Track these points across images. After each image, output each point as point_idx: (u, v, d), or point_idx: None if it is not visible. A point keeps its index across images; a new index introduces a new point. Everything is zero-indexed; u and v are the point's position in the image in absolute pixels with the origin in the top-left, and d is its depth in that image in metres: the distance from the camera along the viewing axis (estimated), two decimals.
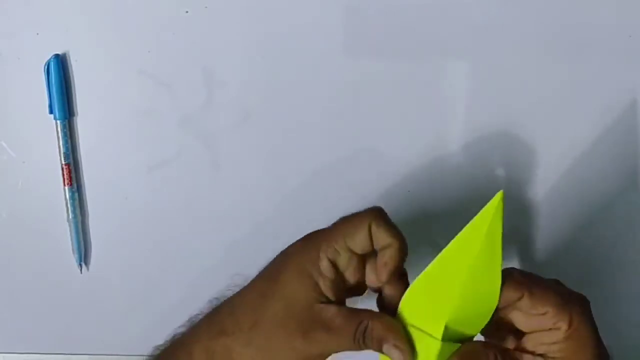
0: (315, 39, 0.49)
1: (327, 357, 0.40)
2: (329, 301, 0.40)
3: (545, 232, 0.51)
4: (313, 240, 0.41)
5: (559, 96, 0.49)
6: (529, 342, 0.39)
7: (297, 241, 0.42)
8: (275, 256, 0.42)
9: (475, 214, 0.38)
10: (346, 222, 0.41)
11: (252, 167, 0.51)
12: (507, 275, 0.38)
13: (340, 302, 0.41)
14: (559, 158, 0.50)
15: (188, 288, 0.53)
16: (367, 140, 0.50)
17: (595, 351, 0.38)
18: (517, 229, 0.51)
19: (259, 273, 0.43)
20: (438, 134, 0.50)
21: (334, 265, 0.40)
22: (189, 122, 0.51)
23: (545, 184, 0.50)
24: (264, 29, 0.50)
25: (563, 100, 0.49)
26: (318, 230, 0.42)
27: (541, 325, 0.39)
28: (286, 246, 0.42)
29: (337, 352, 0.39)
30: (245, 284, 0.43)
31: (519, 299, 0.38)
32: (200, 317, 0.44)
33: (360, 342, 0.39)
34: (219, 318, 0.42)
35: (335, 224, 0.41)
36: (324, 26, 0.49)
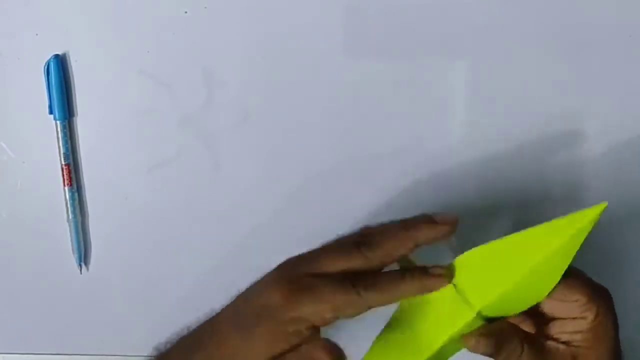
0: (315, 39, 0.49)
1: None
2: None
3: None
4: (299, 303, 0.37)
5: (558, 96, 0.49)
6: (553, 329, 0.39)
7: (276, 296, 0.38)
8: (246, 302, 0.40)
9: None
10: (339, 297, 0.37)
11: (252, 167, 0.51)
12: None
13: None
14: (558, 158, 0.50)
15: (188, 288, 0.53)
16: (367, 140, 0.50)
17: (614, 344, 0.39)
18: (516, 229, 0.51)
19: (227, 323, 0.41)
20: (438, 134, 0.50)
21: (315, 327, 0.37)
22: (189, 122, 0.51)
23: (545, 184, 0.50)
24: (264, 29, 0.50)
25: (563, 100, 0.49)
26: (296, 288, 0.38)
27: (569, 313, 0.39)
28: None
29: None
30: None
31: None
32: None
33: None
34: None
35: (328, 294, 0.37)
36: (324, 26, 0.49)
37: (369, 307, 0.37)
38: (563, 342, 0.39)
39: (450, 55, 0.49)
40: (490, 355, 0.38)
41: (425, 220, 0.39)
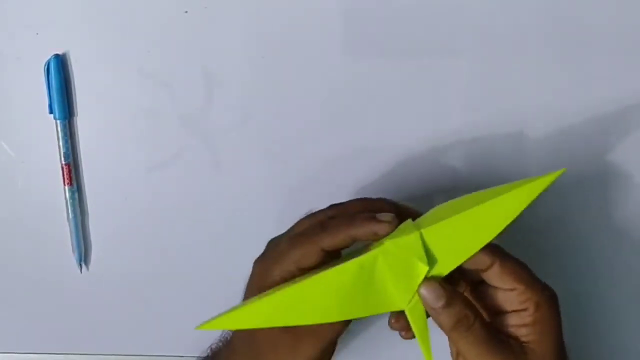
0: (315, 39, 0.49)
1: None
2: None
3: (545, 231, 0.51)
4: (266, 273, 0.41)
5: (558, 96, 0.49)
6: (501, 322, 0.40)
7: (250, 276, 0.44)
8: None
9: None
10: (296, 245, 0.41)
11: (252, 167, 0.51)
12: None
13: None
14: (558, 158, 0.50)
15: (188, 288, 0.53)
16: (367, 140, 0.50)
17: (560, 341, 0.39)
18: (516, 228, 0.51)
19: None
20: (438, 134, 0.50)
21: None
22: (189, 122, 0.51)
23: None
24: (264, 29, 0.50)
25: (563, 100, 0.49)
26: (267, 255, 0.43)
27: (511, 304, 0.39)
28: None
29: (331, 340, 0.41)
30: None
31: (490, 265, 0.39)
32: None
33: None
34: None
35: (285, 246, 0.41)
36: (324, 26, 0.49)
37: (323, 250, 0.40)
38: (512, 337, 0.40)
39: (450, 55, 0.49)
40: (435, 310, 0.38)
41: (384, 200, 0.43)
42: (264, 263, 0.43)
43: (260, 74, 0.50)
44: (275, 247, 0.43)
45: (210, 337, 0.54)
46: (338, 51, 0.49)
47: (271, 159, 0.51)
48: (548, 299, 0.39)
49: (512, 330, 0.39)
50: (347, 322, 0.41)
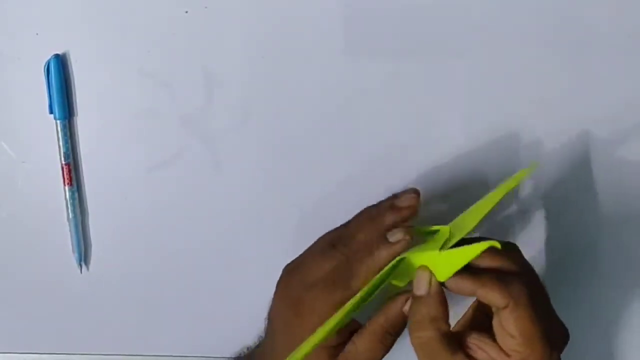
0: (315, 39, 0.49)
1: None
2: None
3: (545, 231, 0.51)
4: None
5: (558, 96, 0.49)
6: (475, 341, 0.40)
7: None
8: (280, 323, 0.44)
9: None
10: (329, 292, 0.41)
11: (252, 167, 0.51)
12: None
13: None
14: (559, 158, 0.50)
15: (188, 288, 0.53)
16: (366, 140, 0.50)
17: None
18: (516, 228, 0.51)
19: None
20: (438, 134, 0.50)
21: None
22: (189, 122, 0.51)
23: (544, 183, 0.50)
24: (264, 29, 0.50)
25: (563, 100, 0.49)
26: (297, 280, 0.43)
27: (503, 343, 0.38)
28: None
29: None
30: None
31: (504, 306, 0.37)
32: None
33: (390, 339, 0.41)
34: None
35: (317, 293, 0.42)
36: (324, 26, 0.49)
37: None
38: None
39: (450, 55, 0.49)
40: (469, 293, 0.38)
41: (388, 206, 0.43)
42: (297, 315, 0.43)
43: (260, 74, 0.50)
44: (308, 285, 0.42)
45: (210, 336, 0.54)
46: (338, 51, 0.49)
47: (271, 159, 0.51)
48: (518, 296, 0.37)
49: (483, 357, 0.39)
50: None
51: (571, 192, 0.50)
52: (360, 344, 0.41)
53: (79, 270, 0.53)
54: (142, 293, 0.54)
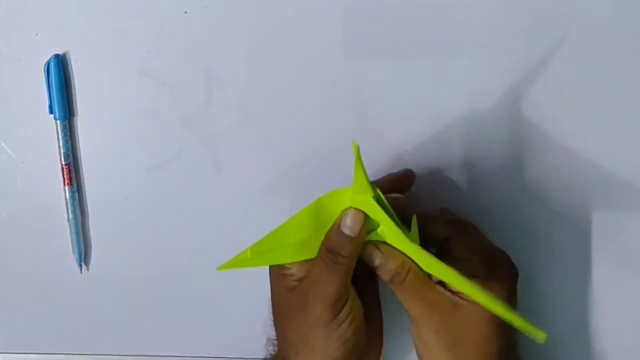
0: (315, 39, 0.49)
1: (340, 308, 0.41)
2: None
3: (544, 230, 0.51)
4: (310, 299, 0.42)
5: (558, 96, 0.49)
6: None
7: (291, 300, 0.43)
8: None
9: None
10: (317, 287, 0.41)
11: (252, 167, 0.51)
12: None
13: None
14: (559, 158, 0.50)
15: (188, 288, 0.53)
16: (367, 140, 0.50)
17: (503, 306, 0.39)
18: (515, 227, 0.51)
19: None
20: (438, 134, 0.50)
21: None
22: (189, 122, 0.51)
23: (544, 184, 0.50)
24: (264, 29, 0.50)
25: (562, 101, 0.49)
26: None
27: (465, 269, 0.40)
28: None
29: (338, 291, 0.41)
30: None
31: (448, 238, 0.43)
32: None
33: (335, 259, 0.40)
34: None
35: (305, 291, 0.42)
36: (324, 26, 0.49)
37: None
38: (449, 290, 0.41)
39: (450, 55, 0.49)
40: (374, 267, 0.41)
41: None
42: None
43: (260, 74, 0.50)
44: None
45: (210, 336, 0.54)
46: (338, 51, 0.49)
47: (271, 159, 0.51)
48: (502, 275, 0.42)
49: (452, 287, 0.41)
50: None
51: (571, 191, 0.50)
52: (314, 269, 0.41)
53: (79, 271, 0.53)
54: (142, 293, 0.54)
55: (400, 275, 0.40)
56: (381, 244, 0.41)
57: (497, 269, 0.42)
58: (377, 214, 0.40)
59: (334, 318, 0.40)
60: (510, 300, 0.42)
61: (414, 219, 0.42)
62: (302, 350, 0.41)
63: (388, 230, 0.40)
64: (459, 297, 0.41)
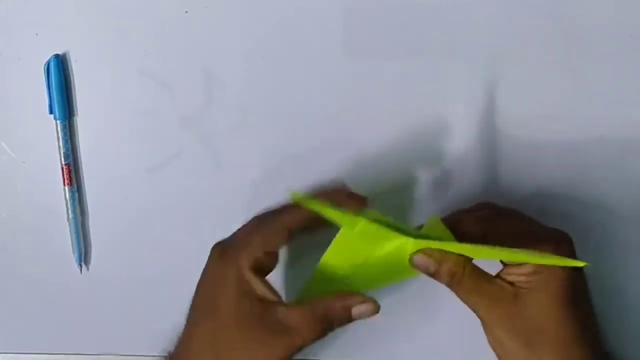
0: (315, 39, 0.49)
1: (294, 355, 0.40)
2: (272, 299, 0.40)
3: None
4: (231, 257, 0.41)
5: (558, 96, 0.49)
6: (502, 271, 0.42)
7: (212, 263, 0.43)
8: (196, 290, 0.43)
9: None
10: (262, 227, 0.41)
11: (252, 167, 0.51)
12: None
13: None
14: (559, 158, 0.50)
15: (188, 288, 0.53)
16: (367, 141, 0.50)
17: (565, 290, 0.39)
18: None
19: (190, 320, 0.43)
20: (438, 134, 0.50)
21: (260, 269, 0.41)
22: (189, 122, 0.51)
23: (544, 184, 0.50)
24: (264, 29, 0.50)
25: (563, 100, 0.49)
26: (231, 241, 0.43)
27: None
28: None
29: (306, 346, 0.40)
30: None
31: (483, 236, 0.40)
32: None
33: (327, 327, 0.40)
34: None
35: (250, 230, 0.42)
36: (324, 26, 0.49)
37: (289, 229, 0.41)
38: (508, 282, 0.41)
39: (450, 55, 0.49)
40: (432, 275, 0.41)
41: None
42: (226, 247, 0.43)
43: (260, 74, 0.50)
44: (238, 232, 0.43)
45: None
46: (338, 51, 0.49)
47: (271, 159, 0.51)
48: (552, 252, 0.39)
49: (511, 278, 0.41)
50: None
51: (571, 192, 0.50)
52: (297, 315, 0.40)
53: (79, 271, 0.53)
54: (142, 293, 0.53)
55: (458, 274, 0.40)
56: (428, 250, 0.40)
57: (547, 242, 0.41)
58: (385, 233, 0.40)
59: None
60: (573, 271, 0.40)
61: (433, 218, 0.42)
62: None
63: (416, 241, 0.40)
64: (518, 287, 0.40)
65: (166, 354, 0.44)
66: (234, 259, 0.41)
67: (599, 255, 0.51)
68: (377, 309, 0.40)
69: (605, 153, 0.50)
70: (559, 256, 0.38)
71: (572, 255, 0.41)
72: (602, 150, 0.49)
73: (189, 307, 0.43)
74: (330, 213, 0.39)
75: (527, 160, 0.50)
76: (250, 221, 0.44)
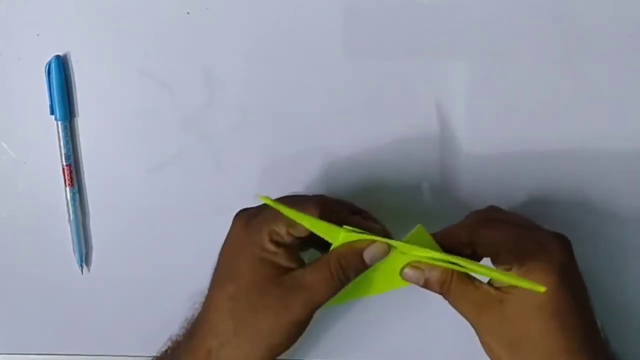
0: (315, 39, 0.49)
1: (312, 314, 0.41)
2: (292, 267, 0.41)
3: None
4: (255, 227, 0.42)
5: (559, 96, 0.49)
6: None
7: (235, 232, 0.44)
8: (219, 256, 0.45)
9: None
10: (292, 204, 0.41)
11: (252, 167, 0.51)
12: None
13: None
14: (559, 158, 0.50)
15: (188, 289, 0.53)
16: (367, 140, 0.50)
17: (553, 293, 0.39)
18: None
19: (212, 285, 0.45)
20: (438, 134, 0.50)
21: (280, 244, 0.41)
22: (189, 123, 0.51)
23: (545, 184, 0.50)
24: (264, 29, 0.50)
25: (563, 101, 0.49)
26: (257, 211, 0.43)
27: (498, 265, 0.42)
28: None
29: (323, 302, 0.41)
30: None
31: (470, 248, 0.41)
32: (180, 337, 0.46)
33: (342, 277, 0.40)
34: (198, 334, 0.44)
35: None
36: (324, 26, 0.49)
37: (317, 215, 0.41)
38: (496, 288, 0.41)
39: (450, 55, 0.49)
40: (423, 286, 0.42)
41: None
42: (251, 217, 0.43)
43: (260, 74, 0.50)
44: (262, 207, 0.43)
45: None
46: (338, 51, 0.49)
47: (271, 159, 0.51)
48: (545, 252, 0.40)
49: (499, 283, 0.41)
50: None
51: (571, 192, 0.50)
52: (312, 271, 0.41)
53: (80, 271, 0.53)
54: (143, 294, 0.54)
55: (447, 282, 0.41)
56: (415, 262, 0.41)
57: (536, 248, 0.41)
58: (369, 238, 0.41)
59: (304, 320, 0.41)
60: (568, 269, 0.41)
61: (418, 228, 0.42)
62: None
63: (403, 251, 0.41)
64: (502, 291, 0.40)
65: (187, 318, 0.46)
66: (258, 230, 0.42)
67: (598, 258, 0.51)
68: (388, 248, 0.40)
69: (605, 153, 0.50)
70: (521, 278, 0.38)
71: (571, 258, 0.41)
72: (602, 150, 0.49)
73: (212, 273, 0.45)
74: (312, 223, 0.40)
75: (526, 161, 0.50)
76: (280, 198, 0.44)
